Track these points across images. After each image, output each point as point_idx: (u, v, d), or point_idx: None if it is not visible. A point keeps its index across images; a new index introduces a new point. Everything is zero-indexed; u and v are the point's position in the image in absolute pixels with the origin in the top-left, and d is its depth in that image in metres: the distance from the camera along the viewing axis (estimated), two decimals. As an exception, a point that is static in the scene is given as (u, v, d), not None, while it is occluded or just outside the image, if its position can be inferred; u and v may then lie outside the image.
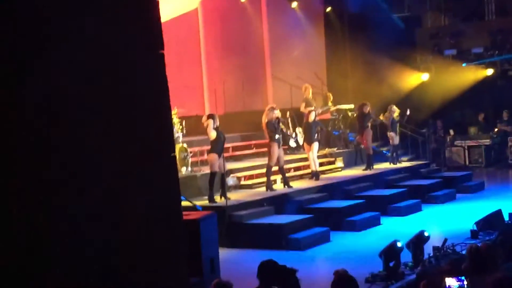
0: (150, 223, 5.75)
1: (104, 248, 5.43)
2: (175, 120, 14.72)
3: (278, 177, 15.31)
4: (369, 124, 18.21)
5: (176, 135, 14.54)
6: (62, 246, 5.32)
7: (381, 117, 19.14)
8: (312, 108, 17.65)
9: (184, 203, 12.22)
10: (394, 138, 19.03)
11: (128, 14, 5.87)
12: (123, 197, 5.66)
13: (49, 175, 5.30)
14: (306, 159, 16.92)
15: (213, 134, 13.41)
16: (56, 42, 5.44)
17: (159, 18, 6.25)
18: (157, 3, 6.25)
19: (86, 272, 5.38)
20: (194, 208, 12.11)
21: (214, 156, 13.39)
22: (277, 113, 14.79)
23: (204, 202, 13.23)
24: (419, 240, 10.17)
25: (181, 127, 14.92)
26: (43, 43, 5.36)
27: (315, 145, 16.38)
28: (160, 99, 6.30)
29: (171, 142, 6.66)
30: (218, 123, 13.63)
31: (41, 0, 5.41)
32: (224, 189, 13.52)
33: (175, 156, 6.40)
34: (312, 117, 16.48)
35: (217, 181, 13.61)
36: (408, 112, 19.50)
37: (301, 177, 16.71)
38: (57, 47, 5.45)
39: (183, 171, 14.43)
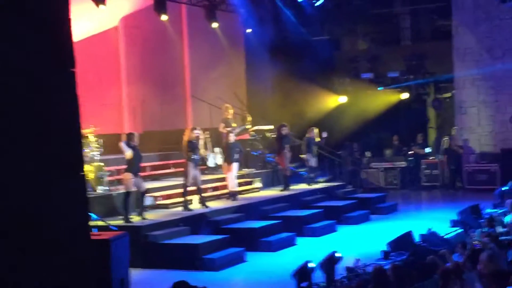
0: (55, 243, 5.66)
1: (6, 267, 5.31)
2: (92, 138, 14.53)
3: (195, 197, 15.29)
4: (287, 146, 18.38)
5: (92, 153, 14.37)
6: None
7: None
8: (231, 128, 17.77)
9: (99, 223, 12.09)
10: (311, 159, 19.27)
11: (38, 32, 5.81)
12: (27, 215, 5.56)
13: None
14: (224, 179, 16.96)
15: (128, 153, 13.31)
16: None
17: (70, 36, 6.20)
18: (69, 21, 6.20)
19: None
20: (108, 228, 11.96)
21: (128, 175, 13.30)
22: (197, 133, 14.86)
23: (120, 222, 13.09)
24: (331, 260, 10.31)
25: (98, 145, 14.72)
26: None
27: (235, 165, 16.49)
28: (70, 118, 6.23)
29: (81, 160, 6.58)
30: (136, 142, 13.56)
31: None
32: (141, 209, 13.44)
33: (84, 175, 6.33)
34: (232, 137, 16.61)
35: (133, 201, 13.51)
36: (325, 135, 19.80)
37: (218, 197, 16.72)
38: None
39: (99, 190, 14.26)
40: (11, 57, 5.50)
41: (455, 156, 22.47)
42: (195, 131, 14.84)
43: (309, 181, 19.24)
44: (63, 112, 6.09)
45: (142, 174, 14.41)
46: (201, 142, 15.13)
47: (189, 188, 14.70)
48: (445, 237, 12.81)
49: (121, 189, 13.99)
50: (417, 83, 24.77)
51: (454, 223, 14.81)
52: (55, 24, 5.97)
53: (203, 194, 15.20)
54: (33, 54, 5.70)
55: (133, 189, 13.37)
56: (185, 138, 14.71)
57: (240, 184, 17.38)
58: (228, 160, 16.53)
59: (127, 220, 13.10)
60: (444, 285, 6.96)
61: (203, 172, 16.66)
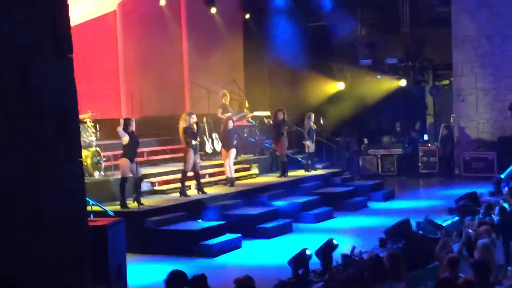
0: (53, 228, 5.65)
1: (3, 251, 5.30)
2: (89, 123, 14.50)
3: (192, 183, 15.27)
4: (285, 132, 18.32)
5: (89, 139, 14.34)
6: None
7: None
8: (230, 114, 17.73)
9: (96, 208, 12.07)
10: (310, 146, 19.23)
11: (36, 18, 5.76)
12: (24, 201, 5.55)
13: None
14: (221, 165, 16.94)
15: (125, 139, 13.26)
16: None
17: (68, 21, 6.16)
18: (67, 6, 6.15)
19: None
20: (105, 213, 11.95)
21: (125, 161, 13.24)
22: (194, 118, 14.76)
23: (117, 207, 13.07)
24: (328, 248, 10.32)
25: (94, 131, 14.68)
26: None
27: (233, 151, 16.44)
28: (68, 104, 6.20)
29: (78, 147, 6.55)
30: (134, 128, 13.49)
31: None
32: (138, 195, 13.41)
33: (81, 161, 6.31)
34: (230, 123, 16.55)
35: (129, 186, 13.47)
36: (322, 121, 19.77)
37: (215, 183, 16.71)
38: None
39: (96, 175, 14.23)
40: (9, 42, 5.47)
41: (446, 143, 22.57)
42: (192, 117, 14.74)
43: (308, 167, 19.22)
44: (62, 98, 6.06)
45: (139, 159, 14.38)
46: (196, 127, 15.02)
47: (188, 174, 14.68)
48: (442, 224, 12.80)
49: (118, 175, 13.95)
50: (415, 70, 24.73)
51: (451, 211, 14.81)
52: (52, 9, 5.93)
53: (200, 180, 15.18)
54: (30, 39, 5.66)
55: (130, 174, 13.33)
56: (182, 124, 14.61)
57: (237, 170, 17.37)
58: (227, 146, 16.49)
59: (123, 205, 13.08)
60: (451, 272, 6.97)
61: (200, 158, 16.62)
